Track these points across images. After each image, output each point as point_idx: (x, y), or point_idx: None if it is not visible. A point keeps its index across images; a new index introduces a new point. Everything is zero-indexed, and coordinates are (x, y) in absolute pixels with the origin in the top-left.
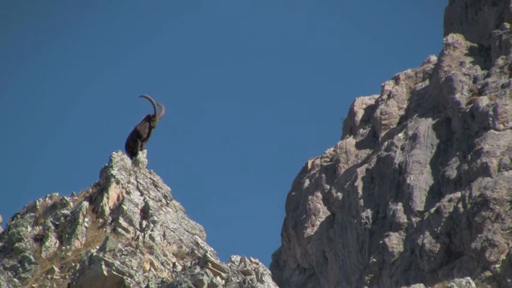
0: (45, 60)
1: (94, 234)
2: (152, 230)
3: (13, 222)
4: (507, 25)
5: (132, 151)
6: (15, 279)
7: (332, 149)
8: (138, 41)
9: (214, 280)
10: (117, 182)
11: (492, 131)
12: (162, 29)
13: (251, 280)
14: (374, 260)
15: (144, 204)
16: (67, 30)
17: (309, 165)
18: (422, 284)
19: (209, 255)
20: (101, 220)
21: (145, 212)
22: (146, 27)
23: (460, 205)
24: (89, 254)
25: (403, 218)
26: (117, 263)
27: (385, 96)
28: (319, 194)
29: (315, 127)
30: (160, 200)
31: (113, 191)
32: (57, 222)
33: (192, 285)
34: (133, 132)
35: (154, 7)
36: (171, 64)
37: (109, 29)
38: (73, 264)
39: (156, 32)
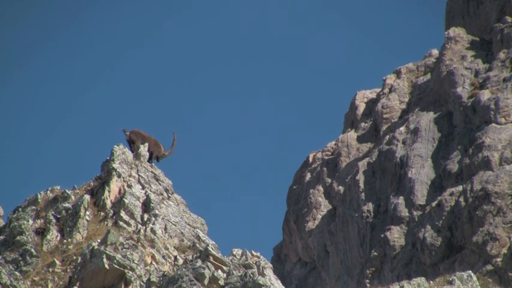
0: (48, 57)
1: (95, 227)
2: (153, 224)
3: (14, 216)
4: (508, 19)
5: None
6: (16, 273)
7: (333, 142)
8: (140, 38)
9: (215, 273)
10: (119, 176)
11: (493, 124)
12: (162, 28)
13: (252, 274)
14: (375, 253)
15: (145, 197)
16: (73, 25)
17: (310, 159)
18: (423, 278)
19: (210, 249)
20: (102, 213)
21: (146, 206)
22: (147, 25)
23: (461, 199)
24: (90, 248)
25: (404, 212)
26: (118, 256)
27: (386, 90)
28: (320, 188)
29: (317, 121)
30: (161, 194)
31: (114, 185)
32: (58, 216)
33: (193, 279)
34: (146, 141)
35: (154, 7)
36: (173, 61)
37: (113, 26)
38: (74, 257)
39: (157, 30)
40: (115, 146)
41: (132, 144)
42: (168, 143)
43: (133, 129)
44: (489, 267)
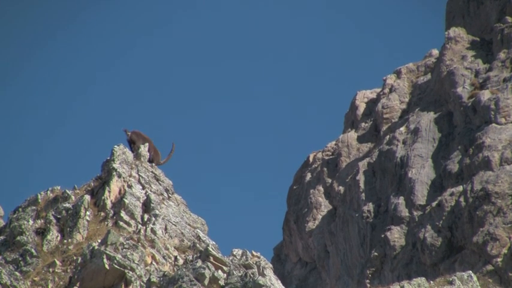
0: (48, 57)
1: (95, 227)
2: (154, 224)
3: (15, 216)
4: (509, 19)
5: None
6: (16, 273)
7: (334, 142)
8: (140, 37)
9: (215, 274)
10: (119, 176)
11: (494, 125)
12: (162, 28)
13: (253, 274)
14: (375, 253)
15: (145, 197)
16: (73, 25)
17: (311, 159)
18: (423, 278)
19: (211, 249)
20: (102, 213)
21: (146, 206)
22: (147, 25)
23: (461, 199)
24: (91, 248)
25: (404, 212)
26: (118, 256)
27: (386, 90)
28: (320, 188)
29: (317, 121)
30: (162, 194)
31: (115, 185)
32: (58, 216)
33: (193, 279)
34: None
35: (154, 7)
36: (173, 61)
37: (114, 26)
38: (74, 257)
39: (157, 30)
40: (115, 146)
41: (132, 145)
42: (165, 150)
43: (135, 130)
44: (489, 267)
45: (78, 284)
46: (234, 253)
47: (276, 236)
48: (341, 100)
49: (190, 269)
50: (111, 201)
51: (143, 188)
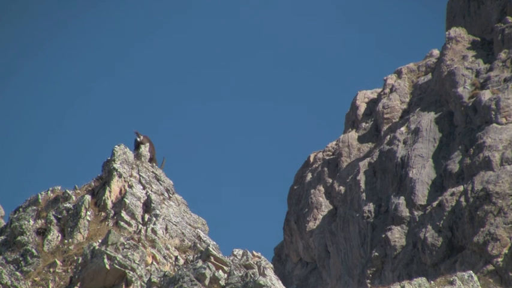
0: (49, 57)
1: (96, 227)
2: (154, 224)
3: (15, 216)
4: (509, 19)
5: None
6: (17, 273)
7: (334, 142)
8: (141, 38)
9: (216, 274)
10: (120, 176)
11: (494, 125)
12: (162, 28)
13: (253, 274)
14: (376, 253)
15: (146, 197)
16: (74, 25)
17: (311, 159)
18: (424, 278)
19: (211, 249)
20: (103, 214)
21: (147, 206)
22: (147, 26)
23: (462, 199)
24: (91, 248)
25: (405, 212)
26: (119, 256)
27: (387, 90)
28: (321, 188)
29: (317, 121)
30: (162, 194)
31: (115, 185)
32: (59, 216)
33: (194, 279)
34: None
35: (153, 8)
36: (174, 61)
37: (114, 26)
38: (75, 257)
39: (157, 31)
40: (116, 146)
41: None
42: (163, 156)
43: (146, 135)
44: (490, 267)
45: (78, 284)
46: (235, 253)
47: (276, 236)
48: (342, 100)
49: (191, 269)
50: (111, 201)
51: (144, 188)
